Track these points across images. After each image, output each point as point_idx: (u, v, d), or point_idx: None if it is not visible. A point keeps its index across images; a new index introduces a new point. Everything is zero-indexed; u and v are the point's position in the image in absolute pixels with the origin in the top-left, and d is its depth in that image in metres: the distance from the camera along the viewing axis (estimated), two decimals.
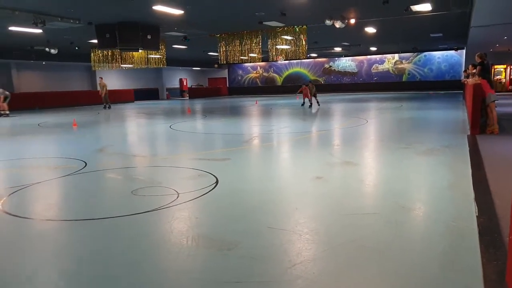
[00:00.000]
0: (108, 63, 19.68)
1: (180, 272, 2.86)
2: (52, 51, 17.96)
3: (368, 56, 34.29)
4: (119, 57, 19.00)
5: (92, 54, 19.25)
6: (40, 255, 3.22)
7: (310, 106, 18.15)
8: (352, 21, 14.16)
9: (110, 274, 2.82)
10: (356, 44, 24.99)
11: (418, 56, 32.88)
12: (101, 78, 22.13)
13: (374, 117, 13.76)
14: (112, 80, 29.95)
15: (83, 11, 11.83)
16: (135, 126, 13.61)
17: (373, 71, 34.71)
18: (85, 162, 6.70)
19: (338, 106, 19.82)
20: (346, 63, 35.56)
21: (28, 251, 3.28)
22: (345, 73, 35.78)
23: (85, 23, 13.34)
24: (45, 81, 25.63)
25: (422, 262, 2.84)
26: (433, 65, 32.59)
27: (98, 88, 21.85)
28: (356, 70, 35.33)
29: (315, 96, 18.33)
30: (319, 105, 18.41)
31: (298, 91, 19.35)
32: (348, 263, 2.87)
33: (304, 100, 19.04)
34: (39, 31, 13.50)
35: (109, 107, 21.86)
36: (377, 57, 34.14)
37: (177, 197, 4.54)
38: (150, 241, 3.41)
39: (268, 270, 2.80)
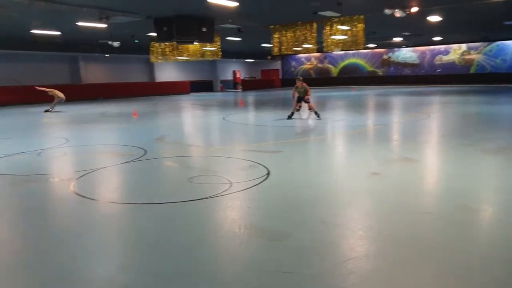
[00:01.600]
0: (165, 55, 20.36)
1: (233, 259, 2.92)
2: (115, 44, 18.91)
3: (431, 47, 32.32)
4: (176, 49, 19.58)
5: (150, 46, 20.04)
6: (105, 234, 3.45)
7: (317, 115, 11.12)
8: (414, 9, 13.43)
9: (165, 257, 2.95)
10: (418, 34, 23.71)
11: (490, 46, 30.37)
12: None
13: (437, 111, 13.04)
14: (169, 72, 31.04)
15: (142, 5, 12.31)
16: (190, 117, 14.03)
17: (436, 62, 32.70)
18: (144, 150, 7.02)
19: (397, 100, 19.04)
20: (407, 54, 33.83)
21: (95, 230, 3.54)
22: (405, 65, 34.09)
23: (144, 17, 13.89)
24: (108, 73, 27.14)
25: (486, 266, 2.67)
26: (507, 55, 29.91)
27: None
28: (417, 61, 33.50)
29: (303, 101, 11.36)
30: (318, 116, 11.03)
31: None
32: (403, 261, 2.77)
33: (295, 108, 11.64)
34: (103, 25, 14.26)
35: (49, 111, 15.77)
36: (442, 47, 32.09)
37: (230, 186, 4.63)
38: (204, 227, 3.52)
39: (320, 263, 2.78)
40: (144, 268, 2.79)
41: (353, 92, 25.44)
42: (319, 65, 37.80)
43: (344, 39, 16.90)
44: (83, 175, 5.38)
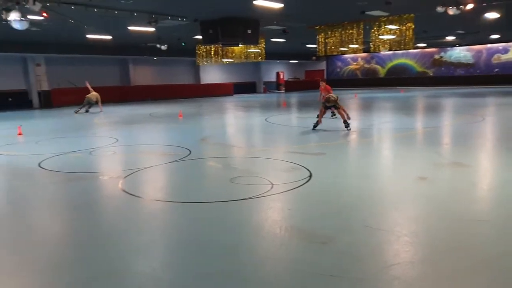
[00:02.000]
0: (210, 57, 20.76)
1: (274, 259, 2.92)
2: (163, 47, 19.54)
3: (488, 45, 30.36)
4: (221, 52, 19.89)
5: (196, 49, 20.51)
6: (150, 231, 3.57)
7: (347, 126, 9.23)
8: (469, 6, 12.73)
9: (207, 255, 3.00)
10: (473, 32, 22.41)
11: None
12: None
13: (493, 114, 12.27)
14: (213, 74, 31.61)
15: (190, 9, 12.64)
16: (233, 118, 14.19)
17: (494, 61, 30.65)
18: (189, 150, 7.19)
19: (449, 101, 18.16)
20: (460, 53, 32.05)
21: (141, 227, 3.67)
22: (458, 65, 32.31)
23: (191, 20, 14.24)
24: (156, 75, 28.10)
25: None
26: None
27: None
28: (472, 61, 31.62)
29: (334, 108, 9.75)
30: (347, 125, 9.18)
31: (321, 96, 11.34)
32: (450, 270, 2.63)
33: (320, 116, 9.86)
34: (152, 29, 14.79)
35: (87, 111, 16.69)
36: (500, 45, 30.03)
37: (271, 188, 4.62)
38: (245, 227, 3.55)
39: (363, 267, 2.70)
40: (187, 266, 2.86)
41: (402, 93, 24.58)
42: (366, 65, 36.84)
43: (393, 38, 16.37)
44: (131, 174, 5.60)
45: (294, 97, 25.24)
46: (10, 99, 20.39)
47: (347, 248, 3.00)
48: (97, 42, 19.12)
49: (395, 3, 12.26)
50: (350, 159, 6.69)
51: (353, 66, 37.63)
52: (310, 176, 5.10)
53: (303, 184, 4.77)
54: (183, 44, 21.20)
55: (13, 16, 8.87)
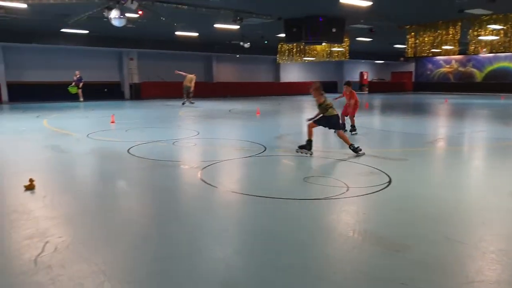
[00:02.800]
0: (292, 56, 20.74)
1: (344, 261, 2.85)
2: (245, 45, 20.01)
3: None
4: (303, 50, 19.78)
5: (278, 47, 20.64)
6: (224, 219, 3.69)
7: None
8: None
9: (278, 248, 3.02)
10: None
11: None
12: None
13: None
14: (292, 72, 31.59)
15: (275, 7, 12.76)
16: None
17: None
18: (264, 147, 7.29)
19: None
20: None
21: (215, 214, 3.82)
22: None
23: (275, 18, 14.36)
24: (237, 72, 28.90)
25: None
26: None
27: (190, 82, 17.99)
28: None
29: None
30: (356, 151, 6.59)
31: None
32: None
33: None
34: (236, 27, 15.22)
35: (192, 102, 18.36)
36: None
37: (347, 190, 4.49)
38: (317, 226, 3.50)
39: (440, 280, 2.52)
40: (257, 256, 2.92)
41: (502, 100, 22.23)
42: (461, 68, 33.87)
43: (495, 40, 14.86)
44: (209, 165, 5.84)
45: (377, 99, 24.20)
46: (105, 89, 22.57)
47: (423, 258, 2.81)
48: (184, 39, 20.24)
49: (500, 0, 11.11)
50: (434, 167, 6.23)
51: (445, 68, 34.88)
52: (390, 182, 4.86)
53: (381, 189, 4.55)
54: (266, 42, 21.47)
55: (114, 14, 9.77)
